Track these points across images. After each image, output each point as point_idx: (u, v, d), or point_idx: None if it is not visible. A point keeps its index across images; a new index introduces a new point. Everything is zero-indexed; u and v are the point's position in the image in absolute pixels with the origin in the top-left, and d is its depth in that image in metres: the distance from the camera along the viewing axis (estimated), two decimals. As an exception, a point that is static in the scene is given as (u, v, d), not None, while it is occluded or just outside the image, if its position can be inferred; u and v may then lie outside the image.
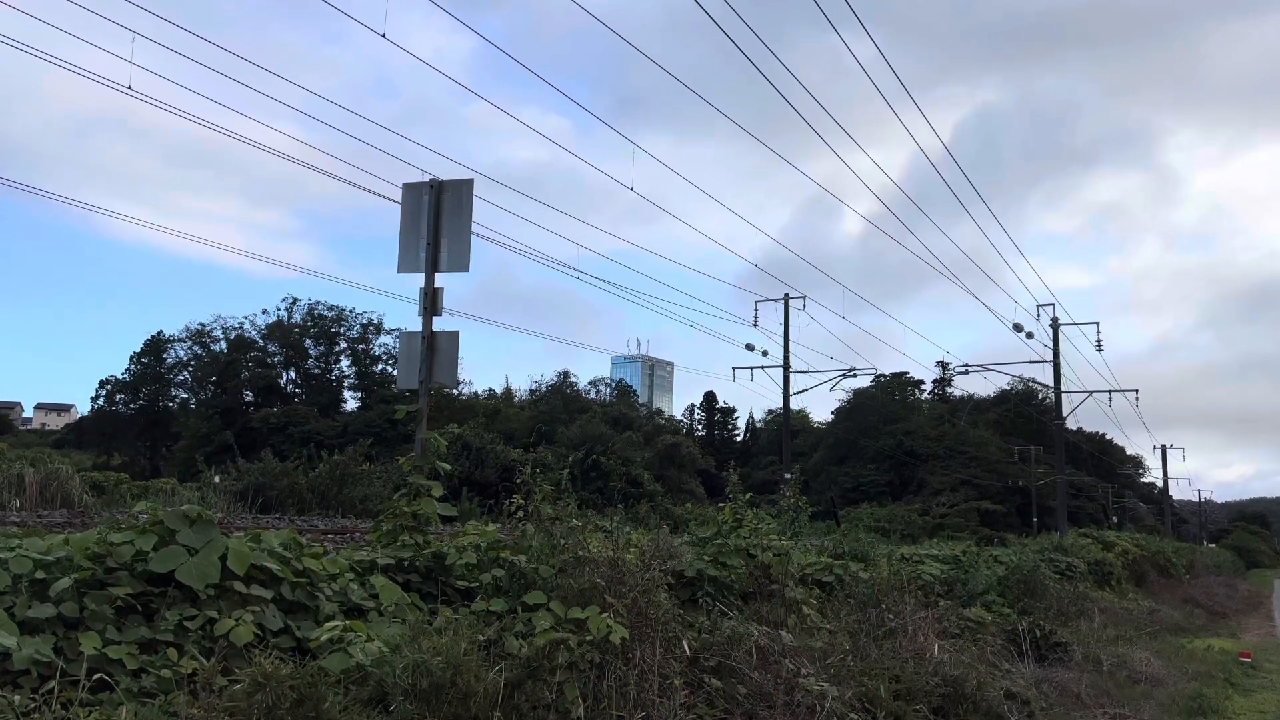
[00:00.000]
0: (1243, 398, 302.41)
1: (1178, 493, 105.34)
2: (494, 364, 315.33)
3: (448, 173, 12.88)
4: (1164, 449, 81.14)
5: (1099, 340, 42.91)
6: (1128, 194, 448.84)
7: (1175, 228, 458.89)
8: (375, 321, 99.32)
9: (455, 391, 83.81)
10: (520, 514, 8.09)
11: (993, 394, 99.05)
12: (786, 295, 41.57)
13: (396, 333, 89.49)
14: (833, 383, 44.60)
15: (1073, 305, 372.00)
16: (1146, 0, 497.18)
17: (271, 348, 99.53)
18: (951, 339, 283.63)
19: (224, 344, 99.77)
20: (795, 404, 45.14)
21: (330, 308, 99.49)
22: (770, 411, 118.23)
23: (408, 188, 11.62)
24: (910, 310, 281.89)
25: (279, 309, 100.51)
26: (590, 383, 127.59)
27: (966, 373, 46.60)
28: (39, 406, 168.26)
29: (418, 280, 11.32)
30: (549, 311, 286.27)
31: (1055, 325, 41.97)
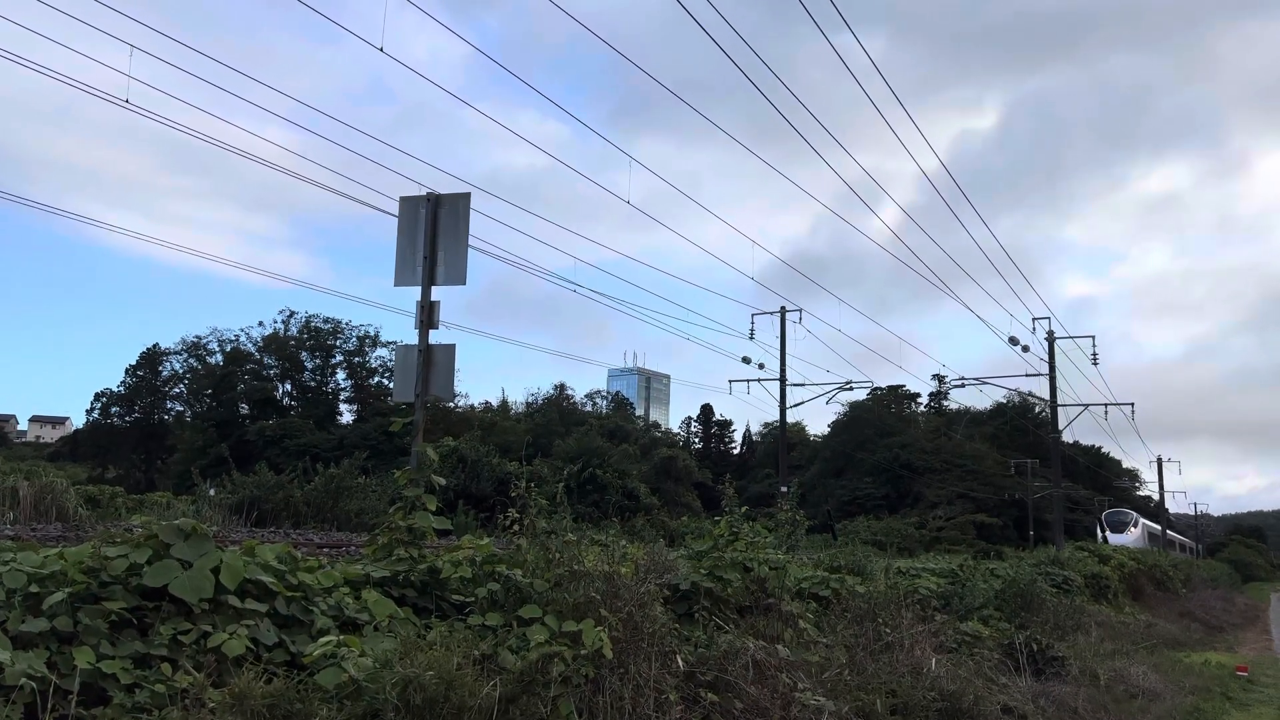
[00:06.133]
0: (1270, 406, 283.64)
1: (1174, 506, 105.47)
2: (492, 374, 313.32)
3: (443, 182, 12.88)
4: (1160, 462, 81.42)
5: (1094, 354, 43.22)
6: (1178, 189, 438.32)
7: (1229, 224, 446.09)
8: (371, 334, 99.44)
9: (451, 404, 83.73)
10: (515, 527, 8.08)
11: (989, 407, 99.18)
12: (783, 308, 41.68)
13: (393, 345, 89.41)
14: (829, 396, 44.62)
15: (1108, 306, 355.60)
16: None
17: (267, 360, 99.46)
18: (976, 346, 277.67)
19: (219, 356, 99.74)
20: (792, 417, 45.01)
21: (326, 320, 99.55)
22: (767, 424, 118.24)
23: (405, 201, 11.59)
24: (939, 315, 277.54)
25: (275, 321, 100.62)
26: (587, 395, 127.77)
27: (963, 386, 46.57)
28: (34, 419, 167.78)
29: (414, 293, 11.30)
30: (557, 316, 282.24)
31: (1050, 339, 42.14)
